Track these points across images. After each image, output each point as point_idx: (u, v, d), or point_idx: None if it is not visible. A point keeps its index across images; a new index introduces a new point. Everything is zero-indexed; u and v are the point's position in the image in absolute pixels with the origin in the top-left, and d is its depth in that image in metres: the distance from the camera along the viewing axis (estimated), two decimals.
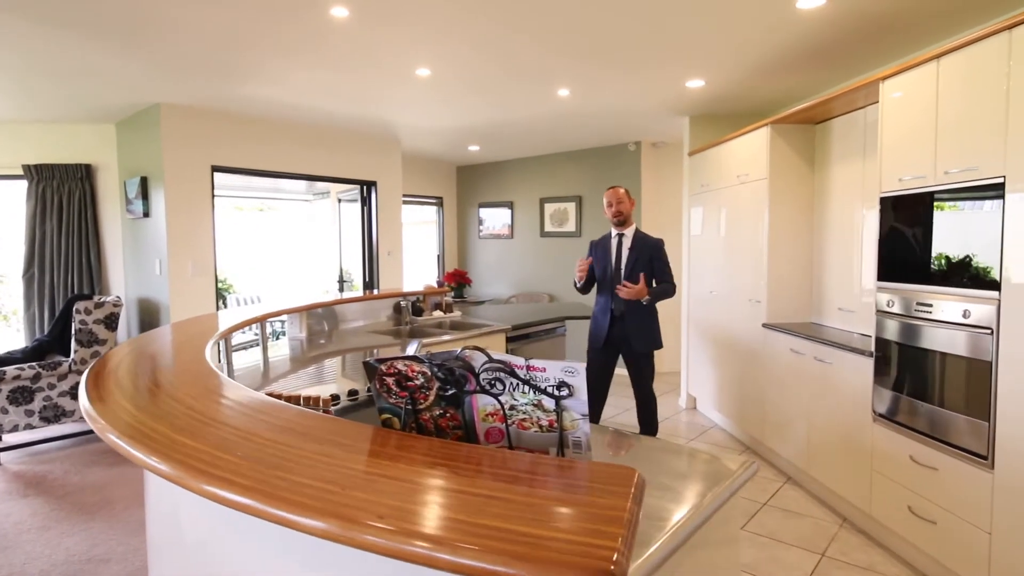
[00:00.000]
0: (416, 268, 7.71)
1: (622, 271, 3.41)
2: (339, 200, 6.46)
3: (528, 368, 1.05)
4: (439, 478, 0.90)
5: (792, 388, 3.40)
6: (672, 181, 6.21)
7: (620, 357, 3.50)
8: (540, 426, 1.08)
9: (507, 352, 3.66)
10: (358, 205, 6.01)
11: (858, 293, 3.25)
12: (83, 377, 1.47)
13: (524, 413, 1.09)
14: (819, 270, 3.64)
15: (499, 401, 1.09)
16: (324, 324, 3.51)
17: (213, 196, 4.62)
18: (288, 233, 10.19)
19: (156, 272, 4.55)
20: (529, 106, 4.55)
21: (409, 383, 1.14)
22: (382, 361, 1.13)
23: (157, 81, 3.81)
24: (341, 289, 6.44)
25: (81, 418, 4.09)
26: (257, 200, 9.98)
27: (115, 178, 5.03)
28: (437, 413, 1.15)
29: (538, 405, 1.07)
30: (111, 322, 4.21)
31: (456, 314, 4.18)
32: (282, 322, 3.58)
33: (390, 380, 1.15)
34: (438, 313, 4.11)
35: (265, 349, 2.91)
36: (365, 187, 5.76)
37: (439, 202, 7.85)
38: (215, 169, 4.62)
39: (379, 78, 3.79)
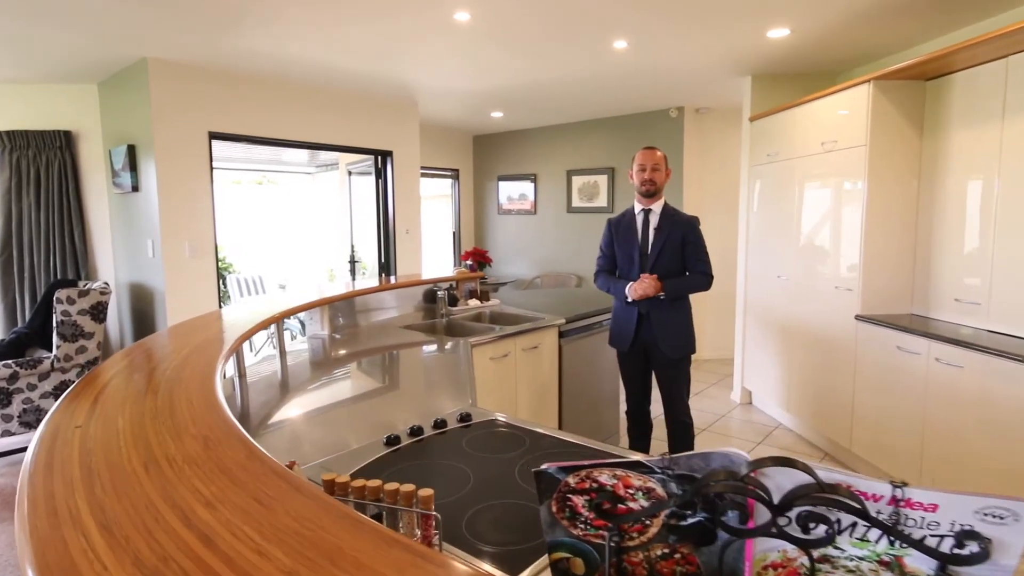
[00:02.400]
0: (429, 246, 7.16)
1: (649, 256, 2.79)
2: (349, 172, 5.87)
3: (899, 503, 0.53)
4: None
5: (897, 393, 2.91)
6: (718, 152, 5.64)
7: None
8: None
9: (560, 352, 3.15)
10: (370, 178, 5.43)
11: (988, 284, 2.73)
12: (27, 460, 0.93)
13: (848, 571, 0.57)
14: (926, 254, 3.11)
15: (806, 550, 0.57)
16: (343, 317, 2.99)
17: (211, 167, 4.04)
18: (289, 208, 9.59)
19: (149, 254, 3.99)
20: (575, 62, 3.96)
21: (618, 506, 0.62)
22: (569, 470, 0.61)
23: (143, 29, 3.21)
24: (353, 271, 5.89)
25: None
26: (254, 173, 9.35)
27: (99, 147, 4.44)
28: (659, 553, 0.63)
29: (889, 563, 0.55)
30: (98, 312, 3.68)
31: (494, 302, 3.65)
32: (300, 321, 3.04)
33: (579, 500, 0.63)
34: (474, 302, 3.58)
35: (283, 353, 2.39)
36: (380, 157, 5.17)
37: (455, 175, 7.26)
38: (212, 136, 4.04)
39: (411, 24, 3.20)
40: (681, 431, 2.90)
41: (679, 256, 2.77)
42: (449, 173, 7.21)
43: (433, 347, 2.51)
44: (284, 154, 8.40)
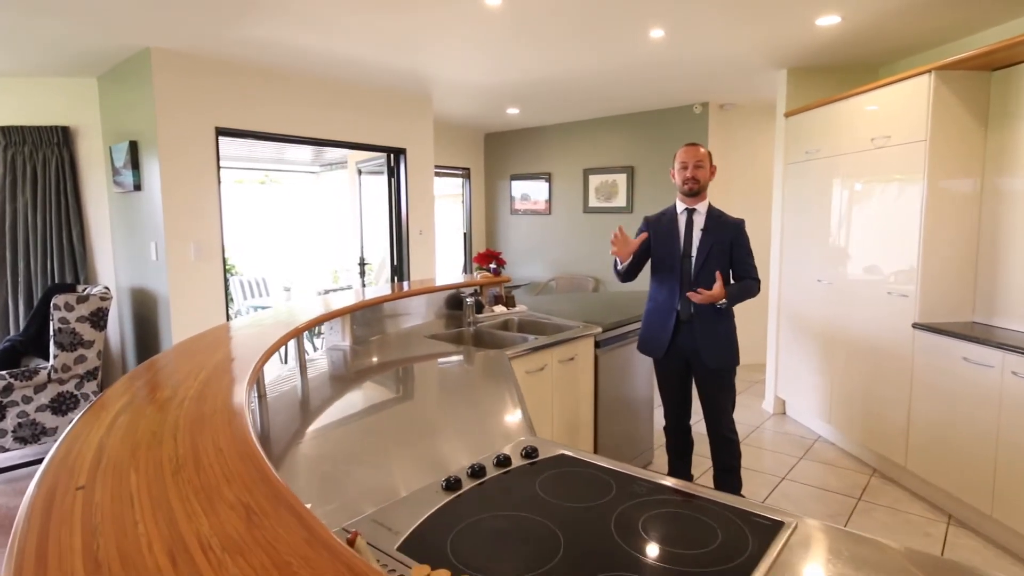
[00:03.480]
0: (439, 248, 6.94)
1: (693, 259, 2.57)
2: (359, 171, 5.65)
3: None
4: None
5: (964, 408, 2.69)
6: (744, 150, 5.42)
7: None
8: None
9: (596, 363, 2.93)
10: (379, 177, 5.21)
11: None
12: (11, 544, 0.69)
13: None
14: (991, 257, 2.89)
15: None
16: (362, 325, 2.76)
17: (219, 165, 3.81)
18: (292, 209, 9.36)
19: (152, 256, 3.77)
20: (606, 52, 3.74)
21: None
22: None
23: (145, 16, 2.98)
24: (362, 273, 5.67)
25: None
26: (257, 172, 9.11)
27: (99, 143, 4.21)
28: None
29: None
30: (98, 319, 3.45)
31: (521, 308, 3.43)
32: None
33: None
34: (499, 308, 3.36)
35: (303, 368, 2.17)
36: (393, 155, 4.95)
37: (466, 174, 7.03)
38: (220, 132, 3.81)
39: (437, 12, 2.97)
40: (726, 448, 2.68)
41: (726, 260, 2.57)
42: (460, 172, 6.98)
43: (467, 361, 2.29)
44: (287, 153, 8.17)
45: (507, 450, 1.37)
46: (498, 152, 7.07)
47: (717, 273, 2.46)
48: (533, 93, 4.90)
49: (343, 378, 2.06)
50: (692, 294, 2.48)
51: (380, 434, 1.47)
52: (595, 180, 6.15)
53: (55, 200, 4.12)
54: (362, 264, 5.68)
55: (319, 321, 2.20)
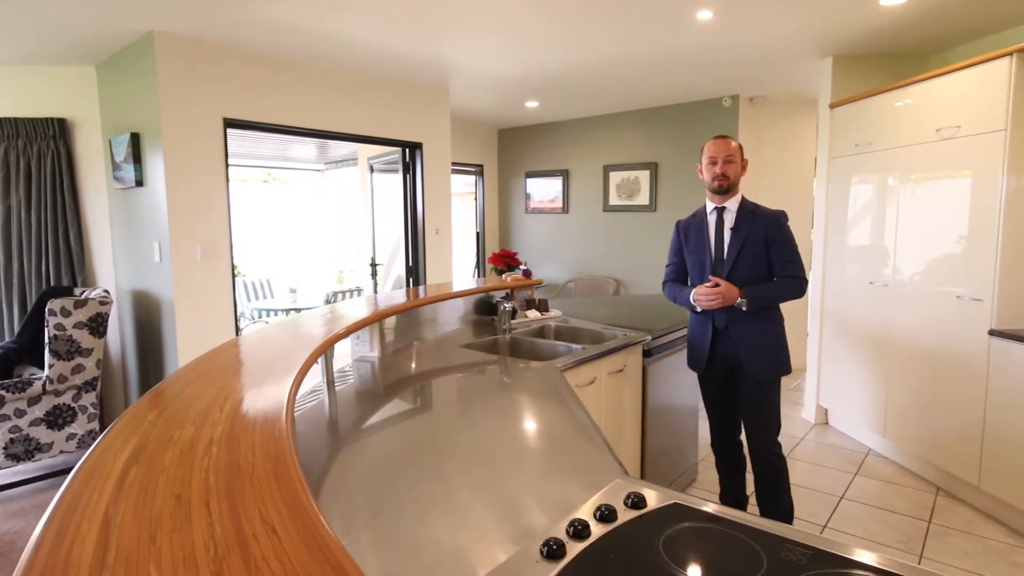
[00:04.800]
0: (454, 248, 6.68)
1: (724, 261, 2.32)
2: (371, 168, 5.38)
3: None
4: None
5: None
6: (777, 145, 5.17)
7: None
8: None
9: (644, 374, 2.67)
10: (390, 174, 4.96)
11: None
12: None
13: None
14: None
15: None
16: (390, 334, 2.50)
17: (227, 159, 3.55)
18: (297, 208, 9.09)
19: (155, 258, 3.50)
20: (645, 37, 3.48)
21: None
22: None
23: None
24: (374, 275, 5.41)
25: (62, 452, 3.10)
26: (260, 170, 8.84)
27: (97, 136, 3.95)
28: None
29: None
30: (97, 326, 3.18)
31: (555, 313, 3.17)
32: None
33: None
34: (533, 313, 3.10)
35: (331, 385, 1.91)
36: (408, 150, 4.69)
37: (478, 171, 6.78)
38: (228, 124, 3.55)
39: None
40: (770, 475, 2.34)
41: (763, 259, 2.30)
42: (472, 169, 6.72)
43: (514, 376, 2.03)
44: (291, 149, 7.91)
45: (605, 496, 1.12)
46: (512, 148, 6.81)
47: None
48: (555, 84, 4.64)
49: (378, 397, 1.80)
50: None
51: (442, 478, 1.21)
52: (616, 177, 5.89)
53: (51, 197, 3.85)
54: (373, 265, 5.41)
55: (348, 332, 1.94)
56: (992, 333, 2.72)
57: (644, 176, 5.67)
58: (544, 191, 6.54)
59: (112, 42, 3.40)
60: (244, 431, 0.97)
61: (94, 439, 3.25)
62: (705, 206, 2.42)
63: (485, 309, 3.08)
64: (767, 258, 2.29)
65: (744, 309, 2.26)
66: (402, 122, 4.51)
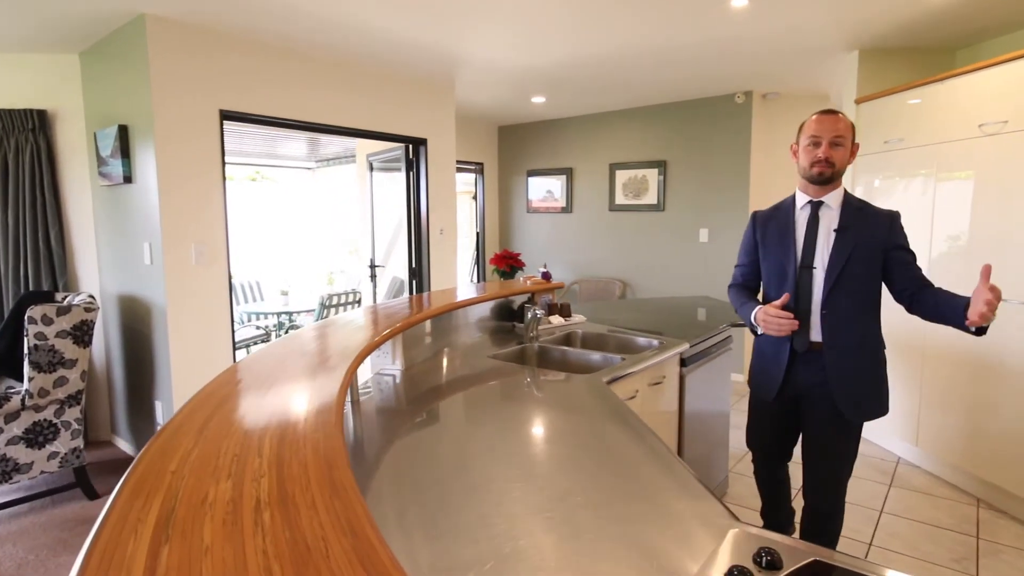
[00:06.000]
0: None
1: (818, 269, 1.86)
2: (371, 165, 5.15)
3: None
4: None
5: None
6: (789, 143, 5.03)
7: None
8: None
9: (681, 385, 2.49)
10: (391, 173, 4.73)
11: None
12: None
13: None
14: None
15: None
16: (411, 343, 2.29)
17: (223, 154, 3.31)
18: (286, 207, 8.80)
19: (145, 260, 3.25)
20: (672, 27, 3.30)
21: None
22: None
23: None
24: (373, 277, 5.18)
25: (43, 472, 2.84)
26: (247, 168, 8.54)
27: (81, 128, 3.67)
28: None
29: None
30: (82, 335, 2.93)
31: (580, 319, 2.98)
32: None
33: None
34: (556, 319, 2.91)
35: (356, 404, 1.70)
36: (412, 146, 4.47)
37: (479, 169, 6.57)
38: (224, 116, 3.30)
39: None
40: (825, 525, 2.00)
41: (876, 269, 1.84)
42: (472, 167, 6.51)
43: (558, 393, 1.83)
44: (280, 147, 7.63)
45: (730, 554, 0.92)
46: (513, 146, 6.61)
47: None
48: (567, 78, 4.45)
49: (411, 421, 1.59)
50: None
51: (527, 533, 1.01)
52: (622, 176, 5.72)
53: (29, 194, 3.57)
54: (373, 267, 5.18)
55: (376, 345, 1.73)
56: None
57: (652, 175, 5.51)
58: (546, 190, 6.35)
59: (99, 26, 3.14)
60: (299, 487, 0.77)
61: (78, 458, 2.99)
62: (794, 198, 1.97)
63: (504, 314, 2.88)
64: (881, 268, 1.84)
65: (976, 334, 1.65)
66: (406, 117, 4.29)
